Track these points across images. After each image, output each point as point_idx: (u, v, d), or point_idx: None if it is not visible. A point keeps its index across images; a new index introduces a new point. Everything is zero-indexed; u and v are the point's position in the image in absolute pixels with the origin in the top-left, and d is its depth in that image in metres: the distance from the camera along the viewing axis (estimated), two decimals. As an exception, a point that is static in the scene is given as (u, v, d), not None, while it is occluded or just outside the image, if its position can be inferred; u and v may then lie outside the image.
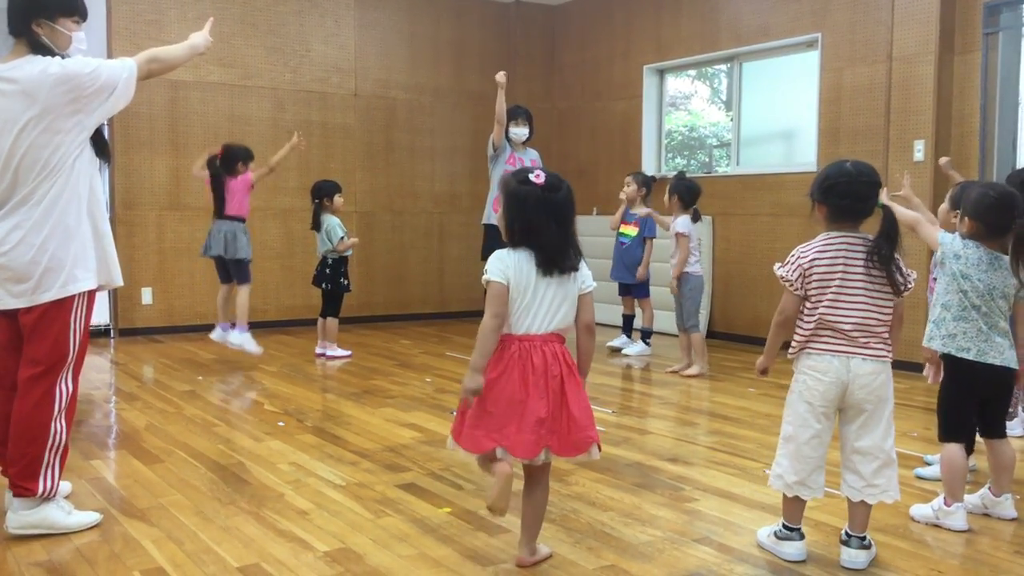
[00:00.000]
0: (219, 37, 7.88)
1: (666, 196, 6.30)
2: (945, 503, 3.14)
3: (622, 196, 7.02)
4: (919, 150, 6.16)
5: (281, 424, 4.65)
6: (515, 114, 6.75)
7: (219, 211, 6.37)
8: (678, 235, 6.07)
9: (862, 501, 2.79)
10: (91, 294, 3.10)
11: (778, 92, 7.83)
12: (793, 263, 2.82)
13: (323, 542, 2.98)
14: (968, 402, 3.20)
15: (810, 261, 2.79)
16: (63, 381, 3.04)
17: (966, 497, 3.20)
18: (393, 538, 3.02)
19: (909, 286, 2.80)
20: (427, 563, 2.80)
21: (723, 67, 8.54)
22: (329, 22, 8.44)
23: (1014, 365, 3.15)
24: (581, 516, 3.24)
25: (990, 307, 3.12)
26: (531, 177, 2.65)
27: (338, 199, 6.75)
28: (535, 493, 2.77)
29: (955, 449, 3.16)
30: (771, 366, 2.95)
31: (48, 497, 3.03)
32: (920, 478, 3.73)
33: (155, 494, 3.48)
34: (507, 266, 2.65)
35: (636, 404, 5.38)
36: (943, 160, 5.11)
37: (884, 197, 2.87)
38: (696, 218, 6.16)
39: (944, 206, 3.76)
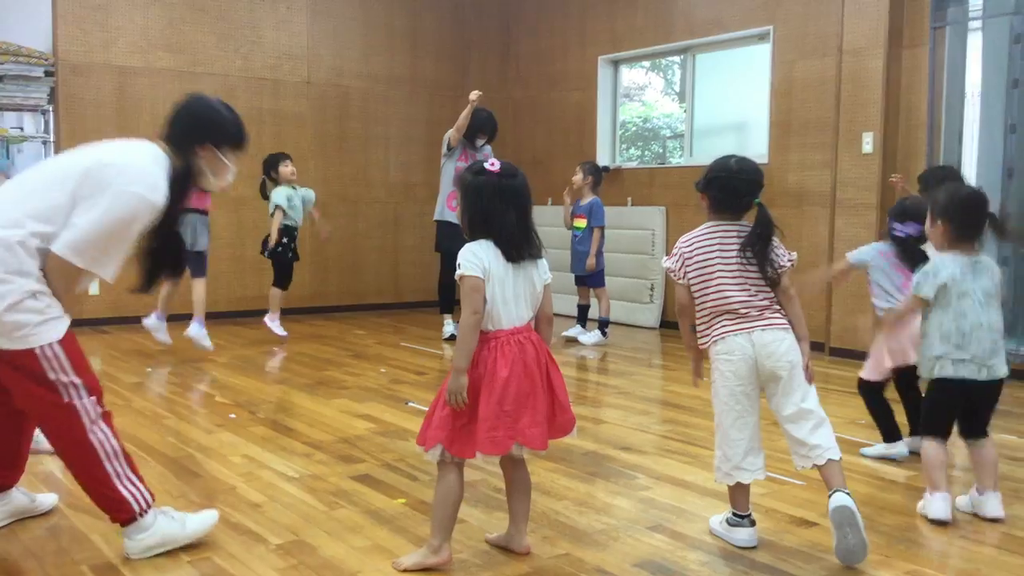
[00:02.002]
0: (167, 22, 7.76)
1: None
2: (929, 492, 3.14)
3: (571, 187, 6.95)
4: (867, 142, 6.26)
5: (232, 416, 4.60)
6: (483, 127, 6.78)
7: None
8: None
9: (828, 461, 2.77)
10: (66, 336, 2.70)
11: (731, 84, 7.91)
12: (677, 254, 2.94)
13: (276, 535, 2.95)
14: (954, 411, 3.19)
15: (690, 250, 2.90)
16: (77, 399, 2.64)
17: (957, 499, 3.22)
18: (347, 530, 3.00)
19: (780, 271, 2.85)
20: (381, 554, 2.79)
21: (676, 59, 8.60)
22: (281, 8, 8.32)
23: (1003, 374, 3.12)
24: (536, 505, 3.24)
25: (990, 316, 3.09)
26: (486, 166, 2.63)
27: (284, 169, 6.81)
28: (523, 479, 2.78)
29: (934, 445, 3.16)
30: (698, 358, 3.01)
31: (144, 512, 2.71)
32: (865, 456, 3.76)
33: (103, 488, 3.41)
34: (481, 259, 2.57)
35: (591, 393, 5.41)
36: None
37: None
38: None
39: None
